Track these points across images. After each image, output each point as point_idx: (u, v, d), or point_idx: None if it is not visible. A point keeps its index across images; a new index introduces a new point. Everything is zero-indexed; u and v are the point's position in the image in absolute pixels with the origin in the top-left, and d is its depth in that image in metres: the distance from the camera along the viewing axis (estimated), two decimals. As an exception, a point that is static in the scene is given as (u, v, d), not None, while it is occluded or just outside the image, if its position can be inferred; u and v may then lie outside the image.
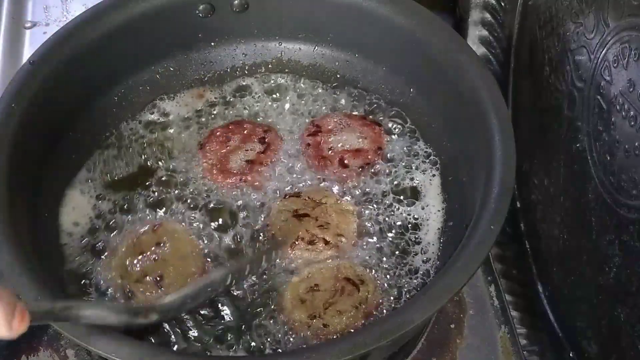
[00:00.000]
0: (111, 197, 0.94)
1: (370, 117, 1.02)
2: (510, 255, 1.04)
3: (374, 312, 0.83)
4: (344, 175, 0.96)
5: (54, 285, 0.76)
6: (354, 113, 1.03)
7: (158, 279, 0.85)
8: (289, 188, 0.95)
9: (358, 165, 0.96)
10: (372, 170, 0.97)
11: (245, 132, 1.00)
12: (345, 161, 0.97)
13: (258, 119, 1.03)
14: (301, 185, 0.95)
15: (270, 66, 1.08)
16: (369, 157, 0.97)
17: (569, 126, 0.86)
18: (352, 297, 0.83)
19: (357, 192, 0.95)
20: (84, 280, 0.87)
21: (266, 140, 0.99)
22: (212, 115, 1.04)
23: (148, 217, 0.92)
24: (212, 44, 1.06)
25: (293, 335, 0.82)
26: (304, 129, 1.01)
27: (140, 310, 0.74)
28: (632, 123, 0.72)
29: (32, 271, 0.74)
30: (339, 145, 0.98)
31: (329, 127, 1.00)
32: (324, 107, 1.04)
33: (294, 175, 0.96)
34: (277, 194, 0.94)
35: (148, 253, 0.87)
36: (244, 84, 1.07)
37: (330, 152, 0.97)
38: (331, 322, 0.81)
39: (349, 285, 0.84)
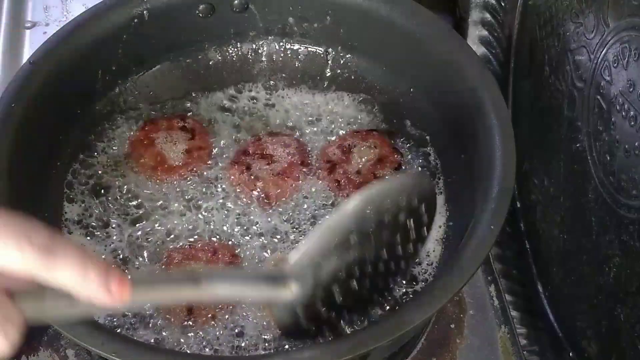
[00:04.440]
0: (110, 197, 0.94)
1: (382, 129, 1.01)
2: (510, 255, 1.04)
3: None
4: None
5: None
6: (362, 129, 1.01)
7: None
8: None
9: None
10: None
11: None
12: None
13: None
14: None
15: (270, 66, 1.08)
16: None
17: (569, 126, 0.86)
18: None
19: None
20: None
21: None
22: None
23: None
24: (212, 44, 1.06)
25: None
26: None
27: (272, 276, 0.67)
28: (632, 123, 0.72)
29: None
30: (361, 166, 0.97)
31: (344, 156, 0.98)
32: (324, 108, 1.04)
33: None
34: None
35: None
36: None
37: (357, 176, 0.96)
38: None
39: None
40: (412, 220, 0.72)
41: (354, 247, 0.69)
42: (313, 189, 0.95)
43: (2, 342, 0.54)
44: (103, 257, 0.88)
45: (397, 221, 0.71)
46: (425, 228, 0.75)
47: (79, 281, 0.54)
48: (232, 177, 0.95)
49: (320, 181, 0.96)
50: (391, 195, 0.69)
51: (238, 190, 0.94)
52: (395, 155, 0.98)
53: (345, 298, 0.71)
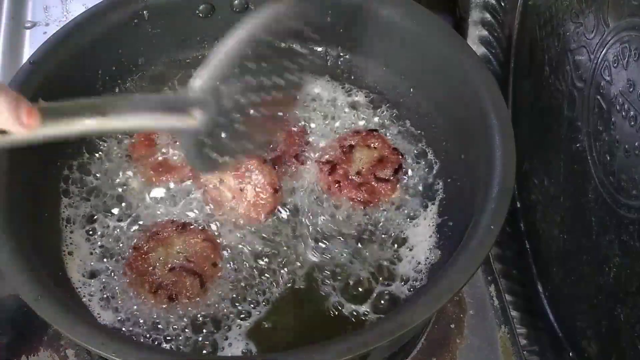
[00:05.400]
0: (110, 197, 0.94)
1: (382, 129, 1.02)
2: (510, 255, 1.04)
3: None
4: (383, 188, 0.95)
5: (54, 285, 0.75)
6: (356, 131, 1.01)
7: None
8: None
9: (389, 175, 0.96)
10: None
11: None
12: (381, 176, 0.95)
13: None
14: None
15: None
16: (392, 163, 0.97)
17: (569, 126, 0.86)
18: None
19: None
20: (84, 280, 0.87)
21: None
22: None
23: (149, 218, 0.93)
24: (212, 44, 1.06)
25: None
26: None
27: (177, 104, 0.69)
28: (632, 123, 0.72)
29: (32, 271, 0.74)
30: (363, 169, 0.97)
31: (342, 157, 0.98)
32: (324, 109, 1.04)
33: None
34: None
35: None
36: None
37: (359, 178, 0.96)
38: None
39: None
40: (299, 45, 0.76)
41: (251, 72, 0.71)
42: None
43: None
44: (102, 254, 0.89)
45: (286, 46, 0.74)
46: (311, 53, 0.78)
47: None
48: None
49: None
50: (279, 20, 0.73)
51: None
52: (396, 156, 0.98)
53: (246, 125, 0.74)
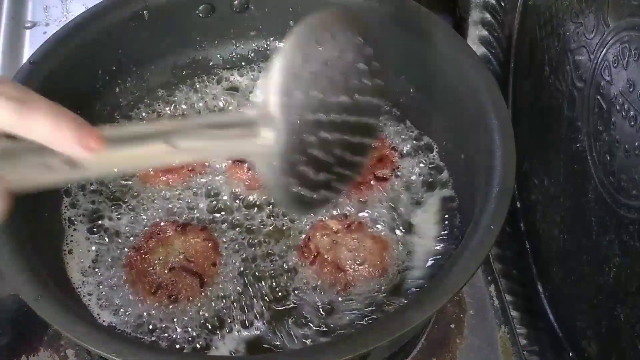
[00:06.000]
0: (110, 197, 0.94)
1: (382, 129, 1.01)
2: (510, 255, 1.04)
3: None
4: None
5: (54, 285, 0.75)
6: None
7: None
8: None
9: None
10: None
11: None
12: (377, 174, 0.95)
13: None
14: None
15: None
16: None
17: (569, 126, 0.86)
18: None
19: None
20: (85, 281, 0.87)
21: None
22: (212, 115, 1.04)
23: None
24: (212, 44, 1.06)
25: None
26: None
27: (243, 124, 0.59)
28: (632, 123, 0.72)
29: (32, 271, 0.74)
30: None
31: None
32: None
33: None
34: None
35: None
36: (243, 84, 1.08)
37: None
38: None
39: None
40: (363, 52, 0.65)
41: (316, 81, 0.61)
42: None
43: None
44: (102, 254, 0.89)
45: (347, 54, 0.64)
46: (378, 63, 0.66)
47: (53, 132, 0.53)
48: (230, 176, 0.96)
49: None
50: (333, 24, 0.63)
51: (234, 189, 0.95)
52: (395, 156, 0.98)
53: (321, 146, 0.62)
